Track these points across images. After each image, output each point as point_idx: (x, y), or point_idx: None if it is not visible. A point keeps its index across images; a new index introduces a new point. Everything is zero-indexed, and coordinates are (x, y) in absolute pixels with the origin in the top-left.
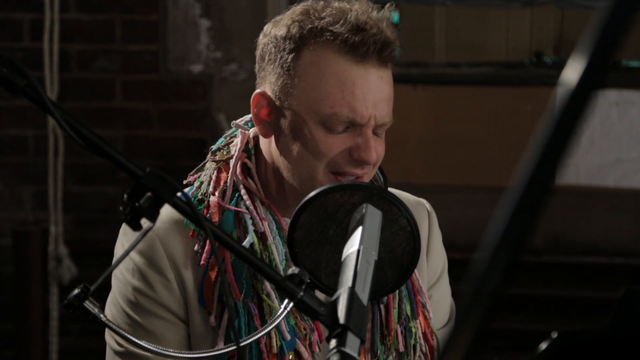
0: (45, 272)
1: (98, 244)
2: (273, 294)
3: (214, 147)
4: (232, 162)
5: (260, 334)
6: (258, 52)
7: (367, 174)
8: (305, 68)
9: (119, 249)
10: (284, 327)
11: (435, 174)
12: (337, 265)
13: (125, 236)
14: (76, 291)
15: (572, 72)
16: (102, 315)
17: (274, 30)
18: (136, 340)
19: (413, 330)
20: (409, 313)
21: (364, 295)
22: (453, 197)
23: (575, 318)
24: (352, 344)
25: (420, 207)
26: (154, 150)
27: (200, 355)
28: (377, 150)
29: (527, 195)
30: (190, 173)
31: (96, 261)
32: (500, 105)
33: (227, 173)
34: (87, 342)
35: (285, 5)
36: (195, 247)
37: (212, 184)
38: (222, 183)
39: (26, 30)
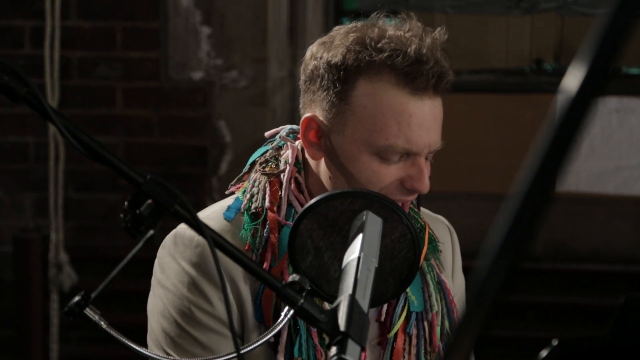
0: (46, 279)
1: (99, 250)
2: None
3: (254, 158)
4: (283, 176)
5: (260, 343)
6: (306, 73)
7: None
8: (361, 99)
9: (166, 259)
10: None
11: (436, 180)
12: (337, 273)
13: (176, 247)
14: (77, 298)
15: (572, 80)
16: (102, 323)
17: (327, 54)
18: (139, 349)
19: None
20: (448, 330)
21: (364, 303)
22: (453, 203)
23: (575, 325)
24: (353, 351)
25: (439, 223)
26: (155, 157)
27: None
28: (428, 171)
29: (527, 202)
30: (232, 183)
31: (97, 268)
32: (501, 112)
33: (279, 186)
34: (87, 349)
35: (286, 12)
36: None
37: (267, 198)
38: (277, 198)
39: (27, 38)
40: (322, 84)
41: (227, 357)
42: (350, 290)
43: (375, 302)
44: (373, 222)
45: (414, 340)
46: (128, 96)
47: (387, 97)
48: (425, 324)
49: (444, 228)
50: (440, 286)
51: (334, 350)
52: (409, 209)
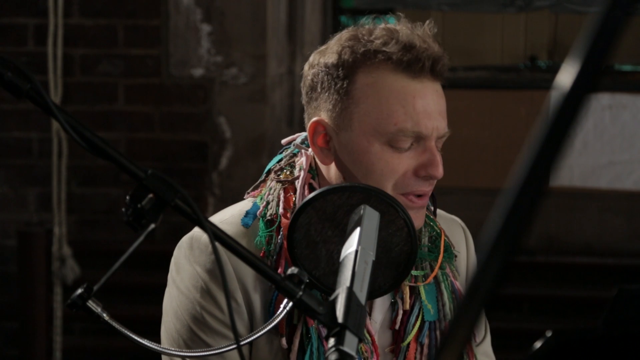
0: (49, 272)
1: (101, 244)
2: None
3: (270, 166)
4: (298, 182)
5: (260, 333)
6: (307, 84)
7: (431, 188)
8: (363, 90)
9: (181, 261)
10: None
11: None
12: (335, 266)
13: (192, 251)
14: (79, 291)
15: (565, 76)
16: (104, 315)
17: (323, 59)
18: (140, 340)
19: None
20: None
21: (361, 295)
22: (449, 198)
23: (569, 317)
24: (350, 343)
25: (454, 224)
26: (156, 153)
27: (202, 353)
28: (440, 158)
29: (521, 196)
30: (248, 191)
31: (99, 261)
32: (496, 108)
33: (293, 193)
34: (90, 340)
35: (285, 10)
36: None
37: (281, 204)
38: (291, 204)
39: (30, 35)
40: (323, 86)
41: (226, 349)
42: (348, 283)
43: (372, 294)
44: (370, 215)
45: (426, 350)
46: (130, 93)
47: (388, 84)
48: (438, 333)
49: (458, 230)
50: (455, 295)
51: (332, 341)
52: (425, 217)
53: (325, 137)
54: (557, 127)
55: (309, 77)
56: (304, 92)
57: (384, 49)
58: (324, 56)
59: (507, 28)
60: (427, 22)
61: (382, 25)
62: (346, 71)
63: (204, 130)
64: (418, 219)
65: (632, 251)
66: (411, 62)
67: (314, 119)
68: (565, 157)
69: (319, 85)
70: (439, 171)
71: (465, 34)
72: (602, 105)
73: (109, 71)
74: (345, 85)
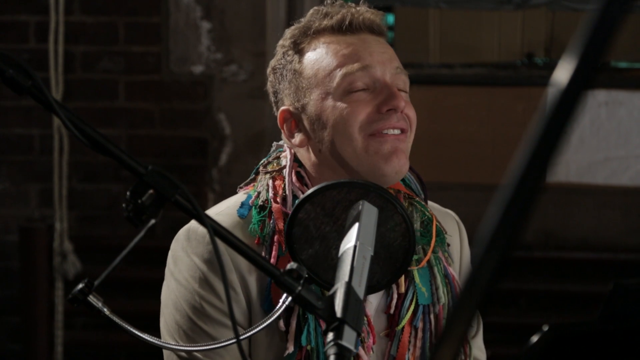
0: (51, 267)
1: (102, 239)
2: None
3: (262, 162)
4: (285, 171)
5: (259, 328)
6: (271, 90)
7: (407, 136)
8: (309, 61)
9: (179, 253)
10: None
11: (430, 171)
12: (334, 261)
13: (189, 242)
14: (80, 286)
15: (562, 73)
16: (105, 309)
17: (272, 61)
18: (141, 335)
19: None
20: None
21: (360, 290)
22: (447, 194)
23: (565, 311)
24: (349, 337)
25: (448, 217)
26: (156, 149)
27: (205, 347)
28: (406, 102)
29: (519, 192)
30: (240, 186)
31: (100, 256)
32: (493, 104)
33: (282, 181)
34: (91, 335)
35: (284, 7)
36: (262, 254)
37: (270, 191)
38: (280, 190)
39: (32, 32)
40: (280, 80)
41: (226, 343)
42: (346, 278)
43: (371, 289)
44: (369, 211)
45: (420, 333)
46: (130, 89)
47: (327, 46)
48: (432, 316)
49: (452, 222)
50: (447, 279)
51: (330, 336)
52: (416, 203)
53: (294, 123)
54: (553, 124)
55: (269, 83)
56: (272, 100)
57: (315, 24)
58: (273, 59)
59: (504, 25)
60: (361, 1)
61: (310, 12)
62: (292, 54)
63: (204, 127)
64: (396, 159)
65: (627, 246)
66: (341, 24)
67: (280, 110)
68: (562, 153)
69: (277, 83)
70: (400, 102)
71: (463, 31)
72: (598, 102)
73: (110, 68)
74: (295, 65)
